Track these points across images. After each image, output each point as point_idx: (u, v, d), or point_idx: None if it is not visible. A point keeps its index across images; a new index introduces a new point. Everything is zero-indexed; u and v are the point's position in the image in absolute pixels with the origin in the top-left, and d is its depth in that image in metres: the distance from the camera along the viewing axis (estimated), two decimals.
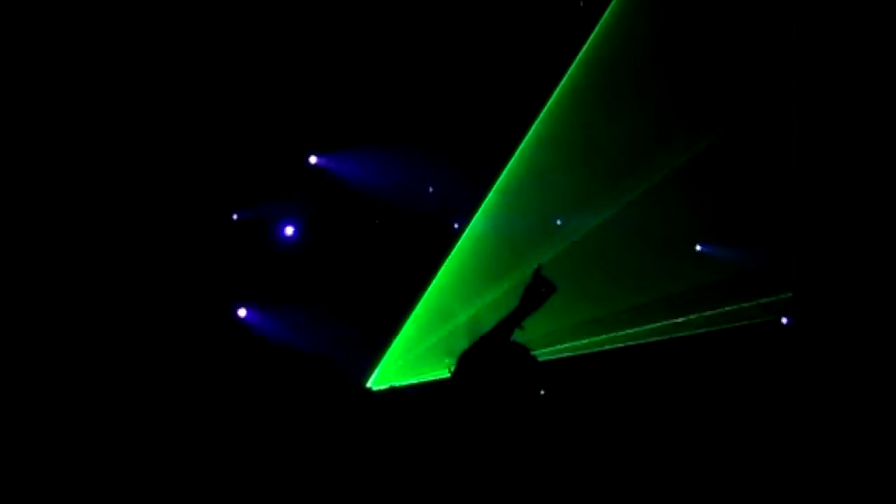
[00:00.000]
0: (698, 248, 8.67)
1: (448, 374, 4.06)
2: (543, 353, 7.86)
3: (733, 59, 7.68)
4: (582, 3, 8.23)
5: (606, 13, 8.01)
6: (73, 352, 4.73)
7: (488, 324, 4.29)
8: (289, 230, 8.89)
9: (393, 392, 7.72)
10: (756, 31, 7.38)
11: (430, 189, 8.91)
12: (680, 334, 8.24)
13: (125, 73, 6.86)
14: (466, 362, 3.90)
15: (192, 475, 4.58)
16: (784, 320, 7.82)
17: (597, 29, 8.07)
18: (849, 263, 3.80)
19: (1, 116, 4.84)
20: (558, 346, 8.24)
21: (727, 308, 8.11)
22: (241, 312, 8.53)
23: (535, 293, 4.14)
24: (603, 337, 8.43)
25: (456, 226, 8.87)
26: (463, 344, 4.00)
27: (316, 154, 8.67)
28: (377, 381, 8.49)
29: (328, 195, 8.78)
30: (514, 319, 4.14)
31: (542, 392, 3.81)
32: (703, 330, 8.18)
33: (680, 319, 8.23)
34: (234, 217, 8.53)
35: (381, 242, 8.92)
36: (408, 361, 8.55)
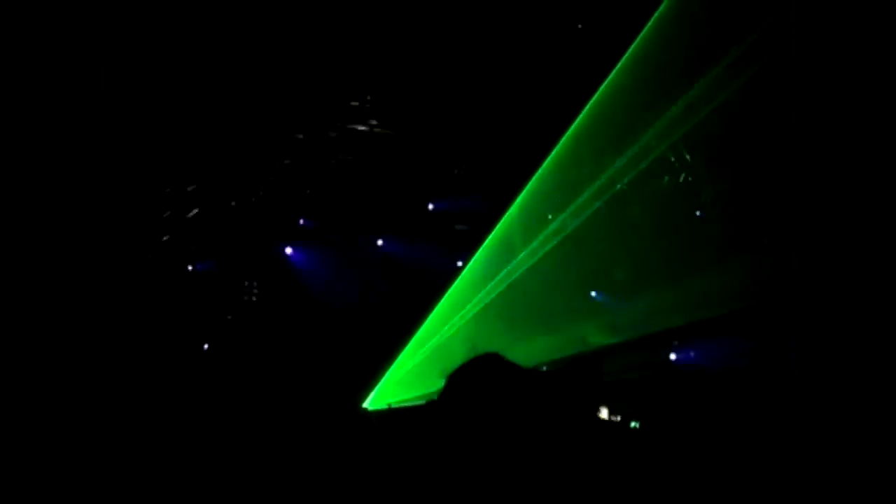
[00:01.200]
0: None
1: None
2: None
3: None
4: (580, 26, 8.30)
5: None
6: (73, 352, 4.76)
7: (484, 347, 4.27)
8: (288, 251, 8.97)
9: (389, 412, 7.79)
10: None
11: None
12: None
13: (125, 73, 6.85)
14: (458, 379, 3.94)
15: (189, 481, 4.63)
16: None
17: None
18: (849, 263, 3.80)
19: (1, 116, 4.87)
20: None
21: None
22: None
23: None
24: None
25: (458, 263, 8.97)
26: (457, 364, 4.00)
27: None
28: (374, 401, 8.58)
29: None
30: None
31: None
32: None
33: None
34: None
35: (384, 268, 9.02)
36: (403, 382, 8.64)
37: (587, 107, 8.30)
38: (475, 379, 3.72)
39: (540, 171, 8.63)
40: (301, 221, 9.07)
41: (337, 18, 7.83)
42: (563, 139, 8.43)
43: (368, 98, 8.33)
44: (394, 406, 8.18)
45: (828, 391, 3.72)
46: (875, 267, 3.67)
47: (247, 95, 8.11)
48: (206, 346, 8.19)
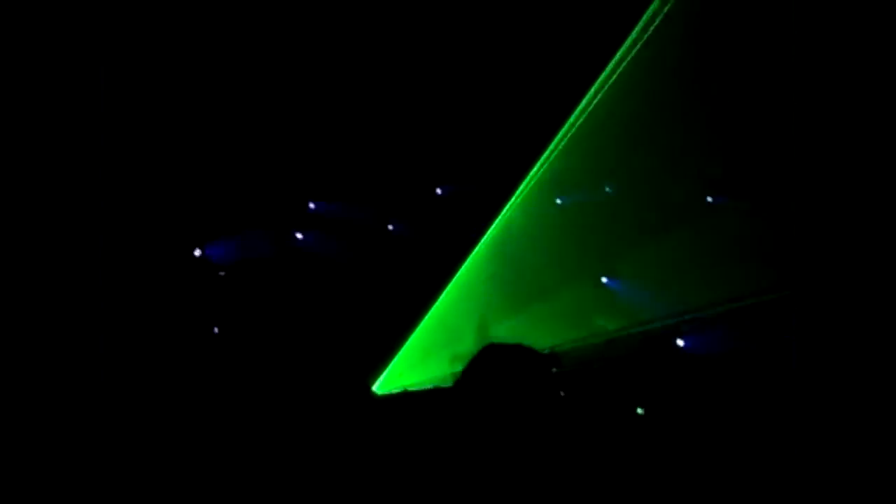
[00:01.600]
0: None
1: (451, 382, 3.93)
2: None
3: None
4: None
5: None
6: (73, 351, 4.75)
7: (496, 332, 4.21)
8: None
9: (403, 396, 7.81)
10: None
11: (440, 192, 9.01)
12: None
13: (125, 73, 6.84)
14: (476, 367, 3.88)
15: (194, 476, 4.63)
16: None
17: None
18: (848, 263, 3.79)
19: (1, 116, 4.86)
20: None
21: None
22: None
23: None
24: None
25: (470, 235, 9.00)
26: (470, 349, 3.96)
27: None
28: (383, 385, 8.60)
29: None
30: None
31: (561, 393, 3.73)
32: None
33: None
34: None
35: (394, 250, 9.03)
36: (414, 367, 8.66)
37: (585, 98, 8.32)
38: (502, 371, 3.69)
39: (546, 153, 8.65)
40: (311, 205, 9.08)
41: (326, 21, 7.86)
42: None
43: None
44: (409, 390, 8.20)
45: (828, 387, 3.73)
46: (875, 264, 3.67)
47: (245, 94, 8.16)
48: (216, 329, 8.21)
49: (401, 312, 8.71)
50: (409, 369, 8.67)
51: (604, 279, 9.29)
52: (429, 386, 8.21)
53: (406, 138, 8.71)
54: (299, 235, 9.08)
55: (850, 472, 3.70)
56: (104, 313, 4.94)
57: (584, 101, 8.39)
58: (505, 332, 8.46)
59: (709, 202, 8.76)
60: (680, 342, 8.61)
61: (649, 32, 7.96)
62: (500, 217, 8.94)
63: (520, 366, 3.62)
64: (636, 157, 8.47)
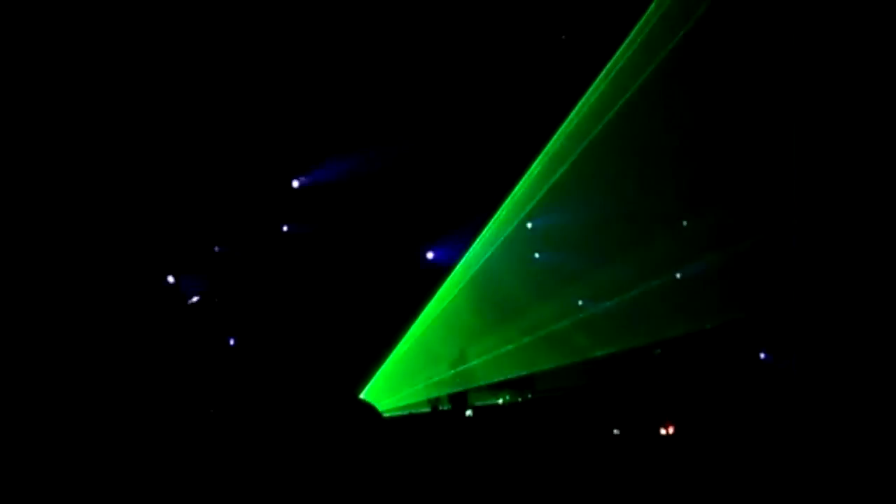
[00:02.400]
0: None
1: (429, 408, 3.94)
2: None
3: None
4: (563, 37, 8.34)
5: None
6: (74, 351, 4.76)
7: (472, 356, 4.23)
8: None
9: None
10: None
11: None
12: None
13: (125, 73, 6.80)
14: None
15: (186, 477, 4.60)
16: (762, 356, 7.97)
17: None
18: (849, 263, 3.78)
19: (1, 116, 4.86)
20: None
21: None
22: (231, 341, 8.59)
23: None
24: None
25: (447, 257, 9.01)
26: (446, 376, 3.97)
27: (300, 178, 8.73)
28: (369, 393, 8.57)
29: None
30: None
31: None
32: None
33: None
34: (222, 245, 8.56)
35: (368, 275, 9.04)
36: (390, 391, 8.64)
37: (578, 105, 8.35)
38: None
39: (524, 179, 8.68)
40: (285, 227, 9.06)
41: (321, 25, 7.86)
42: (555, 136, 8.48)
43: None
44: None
45: (828, 393, 3.72)
46: (875, 268, 3.67)
47: (243, 95, 8.09)
48: (231, 341, 8.18)
49: (376, 338, 8.71)
50: (385, 394, 8.64)
51: (579, 302, 9.33)
52: (404, 412, 8.20)
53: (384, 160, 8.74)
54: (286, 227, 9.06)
55: (849, 474, 3.69)
56: (104, 312, 4.93)
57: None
58: (479, 357, 8.49)
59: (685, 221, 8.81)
60: (660, 361, 8.67)
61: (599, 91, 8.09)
62: (475, 243, 8.97)
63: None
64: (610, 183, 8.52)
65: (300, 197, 8.92)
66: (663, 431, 7.18)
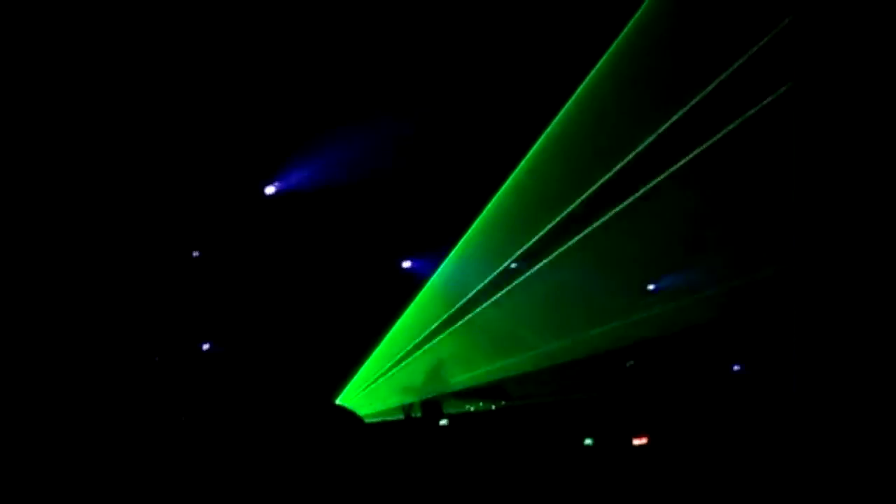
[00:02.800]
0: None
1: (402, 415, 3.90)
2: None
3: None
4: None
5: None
6: (73, 351, 4.74)
7: (447, 364, 4.17)
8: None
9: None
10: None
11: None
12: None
13: (124, 73, 6.78)
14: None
15: (176, 481, 4.61)
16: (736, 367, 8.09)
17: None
18: (849, 263, 3.80)
19: (1, 117, 4.85)
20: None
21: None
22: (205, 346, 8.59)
23: None
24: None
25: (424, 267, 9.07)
26: (420, 382, 3.96)
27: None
28: (345, 397, 8.59)
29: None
30: None
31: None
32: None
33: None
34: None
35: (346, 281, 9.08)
36: (365, 396, 8.68)
37: (561, 112, 8.41)
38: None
39: (504, 186, 8.75)
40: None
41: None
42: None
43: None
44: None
45: (827, 393, 3.72)
46: (875, 268, 3.68)
47: (243, 94, 8.09)
48: (204, 346, 8.18)
49: (353, 342, 8.75)
50: (361, 399, 8.69)
51: (551, 305, 9.40)
52: (378, 418, 8.24)
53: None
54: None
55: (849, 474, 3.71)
56: (104, 312, 4.92)
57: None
58: (454, 363, 8.55)
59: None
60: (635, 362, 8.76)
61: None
62: (452, 252, 9.04)
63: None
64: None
65: (277, 203, 8.95)
66: (636, 442, 7.27)
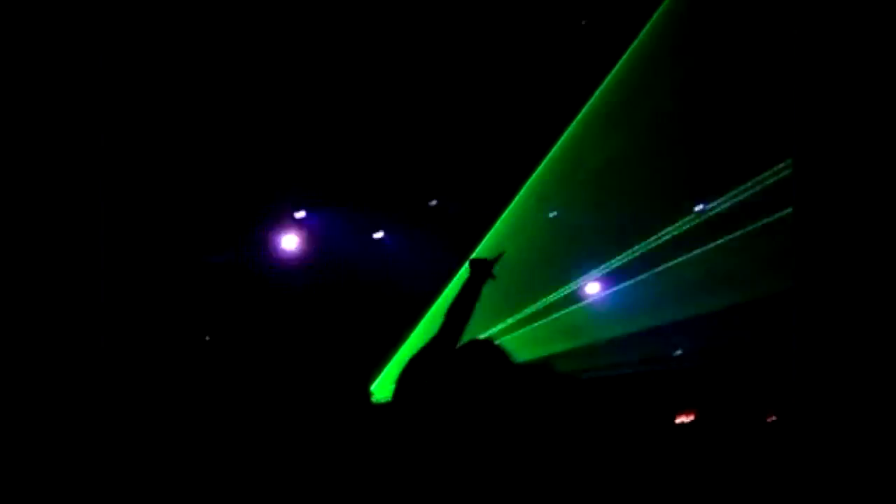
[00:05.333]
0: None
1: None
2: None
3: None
4: (584, 22, 8.32)
5: None
6: (74, 351, 4.80)
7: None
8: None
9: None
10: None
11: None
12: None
13: (124, 73, 6.88)
14: (407, 379, 3.33)
15: (192, 476, 4.70)
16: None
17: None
18: (849, 263, 3.78)
19: (1, 117, 4.91)
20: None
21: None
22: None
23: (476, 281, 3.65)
24: None
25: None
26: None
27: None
28: (380, 386, 8.65)
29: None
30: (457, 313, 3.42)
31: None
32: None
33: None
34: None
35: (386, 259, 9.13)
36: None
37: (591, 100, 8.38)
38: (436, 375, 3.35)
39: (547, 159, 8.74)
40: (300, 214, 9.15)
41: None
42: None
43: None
44: None
45: (828, 389, 3.72)
46: (875, 265, 3.67)
47: (243, 92, 8.15)
48: (207, 338, 8.27)
49: (394, 320, 8.81)
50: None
51: (595, 285, 9.39)
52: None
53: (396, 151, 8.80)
54: (291, 241, 9.14)
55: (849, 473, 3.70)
56: (104, 312, 4.99)
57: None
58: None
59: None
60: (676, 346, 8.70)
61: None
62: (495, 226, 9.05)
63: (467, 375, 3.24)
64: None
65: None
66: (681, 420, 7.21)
